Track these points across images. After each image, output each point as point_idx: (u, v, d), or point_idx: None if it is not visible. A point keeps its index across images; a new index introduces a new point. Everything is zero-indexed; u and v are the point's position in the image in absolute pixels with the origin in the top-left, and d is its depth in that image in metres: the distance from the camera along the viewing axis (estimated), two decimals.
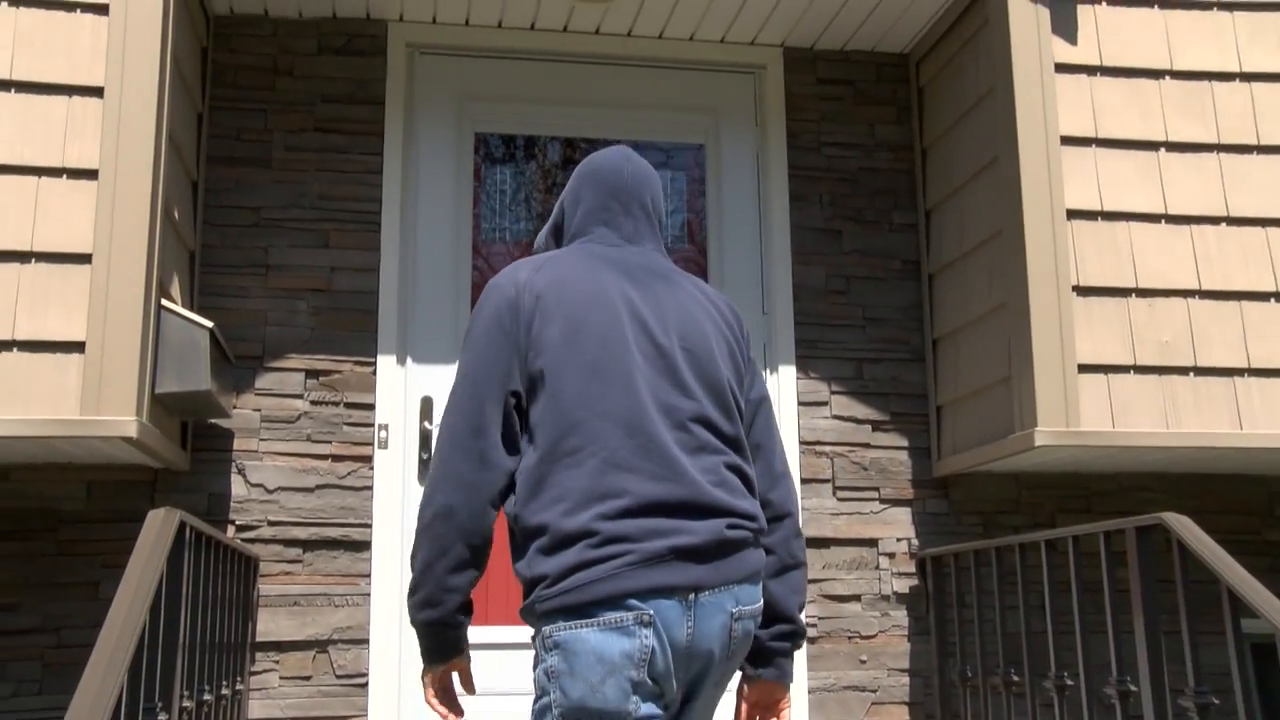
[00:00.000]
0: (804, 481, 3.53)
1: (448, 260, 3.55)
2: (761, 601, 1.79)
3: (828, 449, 3.57)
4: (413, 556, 1.76)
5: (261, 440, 3.33)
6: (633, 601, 1.66)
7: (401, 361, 3.44)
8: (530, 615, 1.71)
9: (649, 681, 1.66)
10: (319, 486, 3.32)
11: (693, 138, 3.79)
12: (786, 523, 1.92)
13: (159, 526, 2.20)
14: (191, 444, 3.30)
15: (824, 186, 3.75)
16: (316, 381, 3.38)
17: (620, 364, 1.78)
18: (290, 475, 3.32)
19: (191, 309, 3.32)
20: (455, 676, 2.58)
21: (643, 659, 1.66)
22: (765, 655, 1.90)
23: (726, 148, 3.78)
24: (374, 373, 3.40)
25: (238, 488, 3.29)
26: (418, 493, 3.37)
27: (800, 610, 1.91)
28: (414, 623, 1.75)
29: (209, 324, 2.93)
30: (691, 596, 1.70)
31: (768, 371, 3.60)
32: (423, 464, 3.35)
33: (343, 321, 3.42)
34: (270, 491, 3.30)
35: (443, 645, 1.76)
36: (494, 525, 1.76)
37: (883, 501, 3.58)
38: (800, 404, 3.58)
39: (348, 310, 3.43)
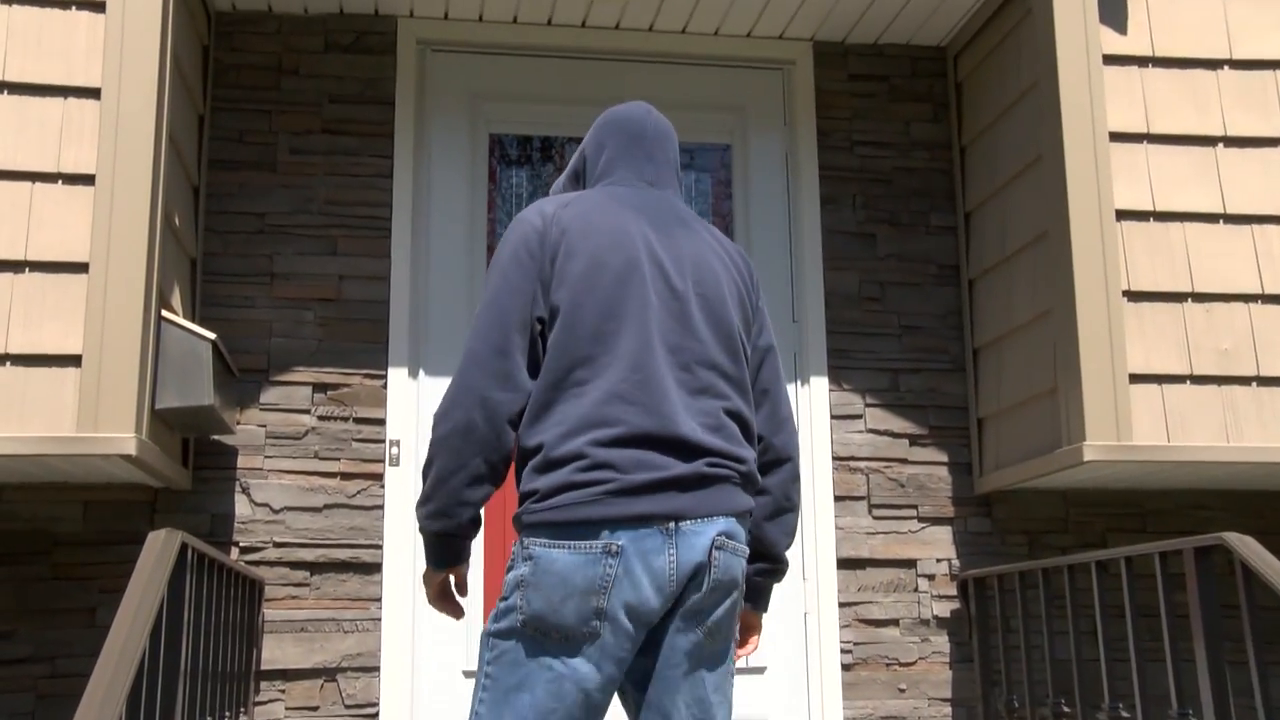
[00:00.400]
0: (838, 499, 3.51)
1: (462, 267, 3.55)
2: (745, 546, 1.93)
3: (862, 465, 3.55)
4: (426, 466, 1.90)
5: (267, 458, 3.32)
6: (606, 531, 1.82)
7: (414, 374, 3.44)
8: (518, 524, 1.87)
9: (619, 609, 1.81)
10: (327, 506, 3.31)
11: (718, 138, 3.79)
12: (787, 466, 2.07)
13: (159, 549, 2.20)
14: (193, 462, 3.29)
15: (857, 188, 3.73)
16: (324, 396, 3.38)
17: (635, 304, 1.93)
18: (297, 494, 3.31)
19: (193, 320, 3.33)
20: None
21: (603, 587, 1.82)
22: (751, 590, 2.09)
23: (754, 148, 3.76)
24: (385, 386, 3.39)
25: (242, 508, 3.28)
26: None
27: (786, 550, 2.11)
28: (423, 531, 1.89)
29: (211, 336, 2.93)
30: (673, 525, 1.85)
31: (798, 383, 3.59)
32: None
33: (352, 332, 3.42)
34: (276, 511, 3.29)
35: (448, 554, 1.91)
36: (512, 443, 1.91)
37: (921, 520, 3.55)
38: (833, 417, 3.57)
39: (357, 320, 3.42)
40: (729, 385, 1.98)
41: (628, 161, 2.15)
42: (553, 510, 1.86)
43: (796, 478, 2.08)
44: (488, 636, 1.83)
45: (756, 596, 2.12)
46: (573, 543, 1.84)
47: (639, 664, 1.89)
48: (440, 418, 1.93)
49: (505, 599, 1.86)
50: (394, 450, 3.35)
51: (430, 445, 1.91)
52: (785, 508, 2.08)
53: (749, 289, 2.11)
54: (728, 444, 1.94)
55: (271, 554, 3.27)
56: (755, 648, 2.16)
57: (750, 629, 2.15)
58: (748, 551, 1.96)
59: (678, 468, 1.88)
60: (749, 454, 1.97)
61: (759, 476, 2.04)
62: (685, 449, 1.89)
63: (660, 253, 2.00)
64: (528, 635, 1.84)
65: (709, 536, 1.88)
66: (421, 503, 1.89)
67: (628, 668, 1.88)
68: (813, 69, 3.77)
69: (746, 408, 2.01)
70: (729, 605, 1.92)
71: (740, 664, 3.41)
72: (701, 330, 1.98)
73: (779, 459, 2.08)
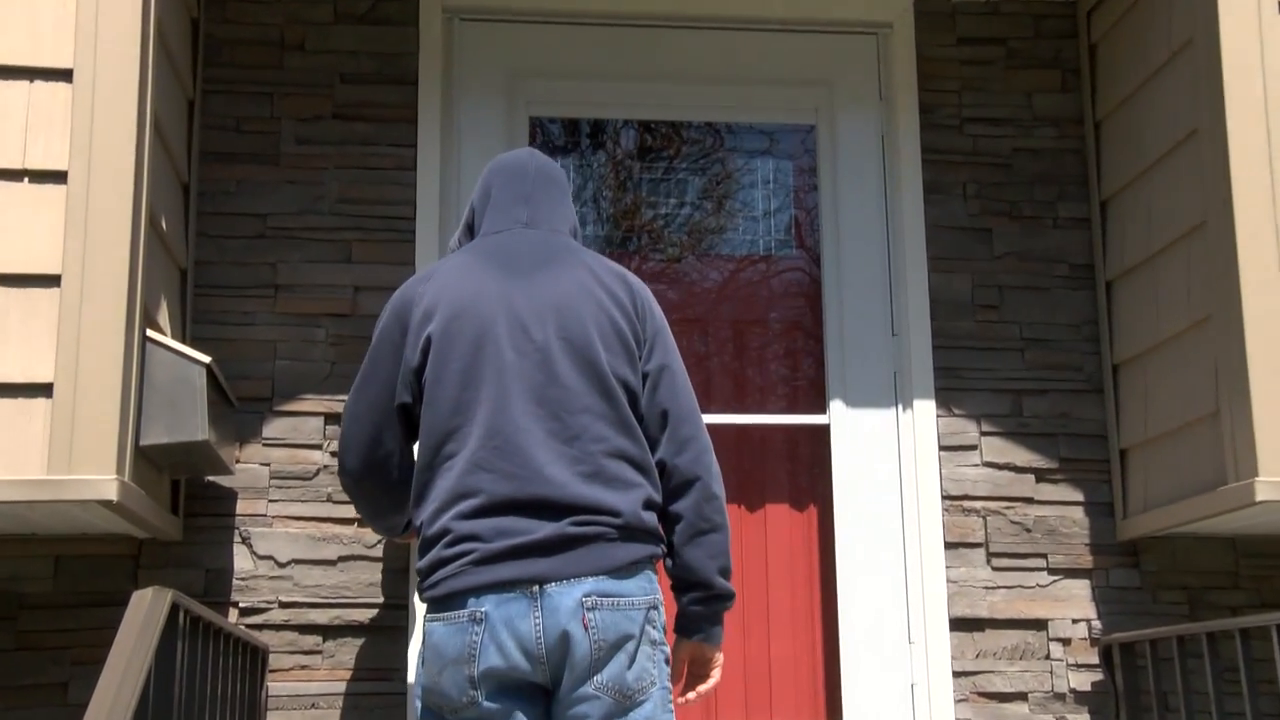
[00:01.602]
0: (949, 546, 3.48)
1: None
2: (640, 595, 2.23)
3: (978, 505, 3.52)
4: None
5: (271, 502, 3.33)
6: (471, 599, 2.19)
7: None
8: None
9: (490, 676, 2.18)
10: (343, 559, 3.31)
11: (801, 117, 3.79)
12: (696, 487, 2.36)
13: (146, 611, 2.21)
14: (184, 508, 3.29)
15: (968, 174, 3.71)
16: (339, 428, 3.28)
17: (491, 367, 2.31)
18: (307, 545, 3.31)
19: (184, 341, 3.33)
20: None
21: (471, 655, 2.18)
22: (689, 620, 2.42)
23: (843, 128, 3.75)
24: None
25: (242, 561, 3.28)
26: None
27: (722, 574, 2.38)
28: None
29: (205, 359, 2.93)
30: (537, 589, 2.18)
31: (899, 407, 3.57)
32: None
33: None
34: (282, 565, 3.29)
35: (403, 534, 2.67)
36: (406, 495, 2.45)
37: (1052, 572, 3.50)
38: (942, 449, 3.53)
39: None
40: (607, 426, 2.30)
41: (504, 206, 2.56)
42: (430, 589, 2.26)
43: (712, 496, 2.37)
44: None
45: (695, 626, 2.41)
46: (446, 614, 2.23)
47: None
48: (340, 478, 2.58)
49: (416, 677, 2.30)
50: None
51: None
52: (703, 529, 2.36)
53: (631, 316, 2.42)
54: (605, 493, 2.24)
55: (277, 616, 3.27)
56: (713, 681, 2.47)
57: (698, 662, 2.46)
58: (645, 600, 2.25)
59: (540, 531, 2.20)
60: (628, 504, 2.26)
61: (650, 520, 2.31)
62: (549, 509, 2.21)
63: (519, 306, 2.36)
64: (431, 711, 2.26)
65: (574, 598, 2.18)
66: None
67: None
68: (914, 33, 3.75)
69: (632, 444, 2.32)
70: (625, 659, 2.20)
71: None
72: (568, 376, 2.31)
73: (686, 480, 2.37)
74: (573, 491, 2.22)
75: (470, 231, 2.64)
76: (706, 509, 2.35)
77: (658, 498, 2.38)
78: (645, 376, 2.41)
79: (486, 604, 2.18)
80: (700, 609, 2.39)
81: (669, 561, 2.43)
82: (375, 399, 2.44)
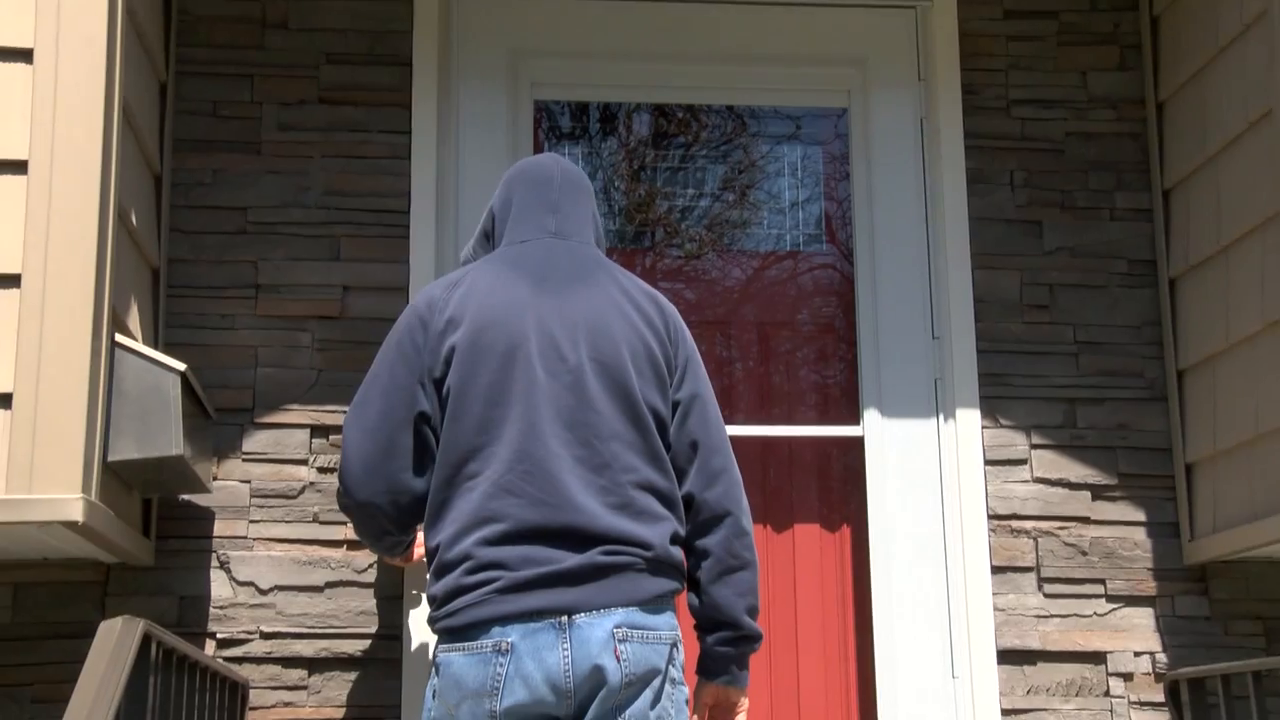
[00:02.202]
0: (996, 571, 3.47)
1: None
2: (666, 630, 2.33)
3: (1029, 525, 3.51)
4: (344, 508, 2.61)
5: (252, 523, 3.32)
6: (496, 629, 2.24)
7: None
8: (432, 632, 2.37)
9: (515, 711, 2.23)
10: (330, 585, 3.31)
11: (831, 100, 3.81)
12: (726, 522, 2.44)
13: (114, 643, 2.21)
14: (157, 529, 3.28)
15: (1016, 161, 3.71)
16: (326, 441, 3.38)
17: (521, 385, 2.38)
18: (291, 570, 3.31)
19: (156, 346, 3.32)
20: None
21: (494, 688, 2.23)
22: (713, 661, 2.49)
23: (878, 112, 3.75)
24: None
25: (220, 588, 3.28)
26: None
27: (750, 614, 2.46)
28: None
29: (180, 366, 2.92)
30: (565, 619, 2.24)
31: (940, 417, 3.57)
32: None
33: (361, 359, 3.39)
34: (264, 592, 3.29)
35: (398, 555, 2.82)
36: (413, 516, 2.51)
37: (1111, 600, 3.49)
38: (988, 463, 3.53)
39: (368, 344, 3.40)
40: (636, 456, 2.38)
41: (531, 214, 2.63)
42: (448, 617, 2.31)
43: (742, 532, 2.45)
44: None
45: (720, 668, 2.48)
46: (466, 644, 2.28)
47: None
48: (339, 498, 2.57)
49: (424, 711, 2.37)
50: None
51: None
52: (733, 566, 2.44)
53: (664, 340, 2.51)
54: (633, 525, 2.32)
55: (258, 648, 3.26)
56: None
57: (722, 707, 2.52)
58: (670, 636, 2.34)
59: (568, 560, 2.27)
60: (658, 536, 2.34)
61: (678, 554, 2.41)
62: (577, 538, 2.28)
63: (551, 322, 2.43)
64: None
65: (605, 629, 2.25)
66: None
67: None
68: (955, 5, 3.74)
69: (660, 476, 2.40)
70: (651, 696, 2.27)
71: None
72: (599, 401, 2.38)
73: (715, 515, 2.45)
74: (603, 522, 2.30)
75: (488, 240, 2.71)
76: (736, 545, 2.43)
77: (683, 532, 2.46)
78: (675, 405, 2.50)
79: (512, 634, 2.24)
80: (727, 650, 2.47)
81: (694, 599, 2.51)
82: (390, 407, 2.47)
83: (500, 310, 2.44)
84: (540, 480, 2.31)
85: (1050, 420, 3.55)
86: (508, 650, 2.23)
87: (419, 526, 2.57)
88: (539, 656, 2.22)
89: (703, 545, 2.44)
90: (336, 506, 3.23)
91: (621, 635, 2.25)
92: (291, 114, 3.52)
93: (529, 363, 2.38)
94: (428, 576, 2.39)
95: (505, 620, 2.24)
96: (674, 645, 2.35)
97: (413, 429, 2.46)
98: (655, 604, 2.31)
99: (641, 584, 2.29)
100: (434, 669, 2.34)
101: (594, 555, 2.27)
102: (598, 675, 2.23)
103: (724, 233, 3.73)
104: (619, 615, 2.25)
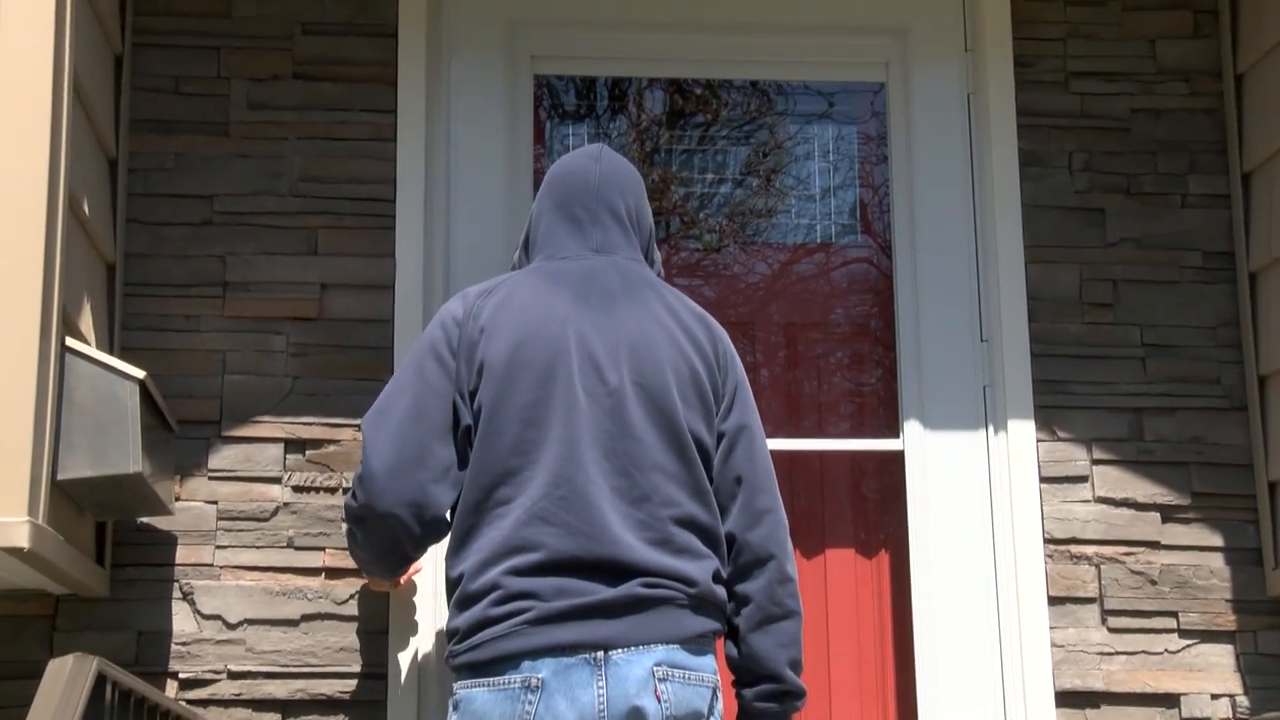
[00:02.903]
0: (1054, 602, 3.46)
1: (496, 266, 3.50)
2: (709, 673, 2.37)
3: (1090, 550, 3.49)
4: (348, 535, 2.71)
5: (219, 549, 3.32)
6: (526, 663, 2.28)
7: None
8: (450, 668, 2.40)
9: None
10: (307, 618, 3.30)
11: (866, 74, 3.82)
12: (770, 566, 2.49)
13: (65, 683, 2.23)
14: (112, 556, 3.27)
15: (1075, 141, 3.70)
16: (302, 457, 3.38)
17: (560, 406, 2.43)
18: (263, 601, 3.30)
19: (112, 351, 3.31)
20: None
21: None
22: (752, 718, 2.52)
23: (919, 87, 3.76)
24: None
25: (183, 622, 3.27)
26: None
27: (792, 667, 2.50)
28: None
29: (139, 374, 2.91)
30: (601, 655, 2.28)
31: (990, 429, 3.58)
32: None
33: (341, 365, 3.44)
34: (232, 626, 3.28)
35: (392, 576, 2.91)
36: (436, 533, 2.57)
37: (1185, 635, 3.47)
38: (1043, 480, 3.52)
39: (348, 348, 3.45)
40: (677, 488, 2.42)
41: (568, 228, 2.68)
42: (471, 651, 2.34)
43: (786, 579, 2.51)
44: None
45: None
46: (491, 679, 2.31)
47: None
48: (351, 506, 2.57)
49: None
50: None
51: (346, 526, 2.65)
52: (775, 614, 2.48)
53: (712, 364, 2.57)
54: (675, 561, 2.36)
55: (226, 689, 3.25)
56: None
57: None
58: (712, 680, 2.38)
59: (606, 591, 2.31)
60: (701, 572, 2.39)
61: (721, 594, 2.44)
62: (616, 571, 2.32)
63: (592, 340, 2.48)
64: None
65: (645, 667, 2.28)
66: (350, 553, 2.79)
67: None
68: None
69: (704, 511, 2.45)
70: None
71: None
72: (640, 428, 2.43)
73: (758, 559, 2.49)
74: (642, 556, 2.35)
75: (527, 250, 2.78)
76: (779, 592, 2.48)
77: (725, 572, 2.51)
78: (720, 436, 2.55)
79: (544, 669, 2.28)
80: (769, 706, 2.50)
81: (731, 649, 2.54)
82: (422, 411, 2.52)
83: (539, 324, 2.49)
84: (578, 508, 2.36)
85: (1114, 432, 3.55)
86: (538, 687, 2.26)
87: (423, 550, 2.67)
88: (572, 694, 2.26)
89: (743, 591, 2.48)
90: (319, 532, 3.33)
91: (662, 674, 2.29)
92: (263, 91, 3.51)
93: (570, 382, 2.44)
94: (450, 609, 2.43)
95: (536, 654, 2.27)
96: (715, 691, 2.39)
97: (451, 442, 2.50)
98: (697, 644, 2.35)
99: (683, 621, 2.34)
100: (451, 707, 2.37)
101: (634, 587, 2.31)
102: (636, 717, 2.27)
103: (747, 223, 3.75)
104: (659, 653, 2.30)
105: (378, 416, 2.56)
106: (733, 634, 2.52)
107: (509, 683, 2.28)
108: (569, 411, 2.42)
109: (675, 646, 2.31)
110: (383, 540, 2.61)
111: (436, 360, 2.54)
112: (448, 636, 2.41)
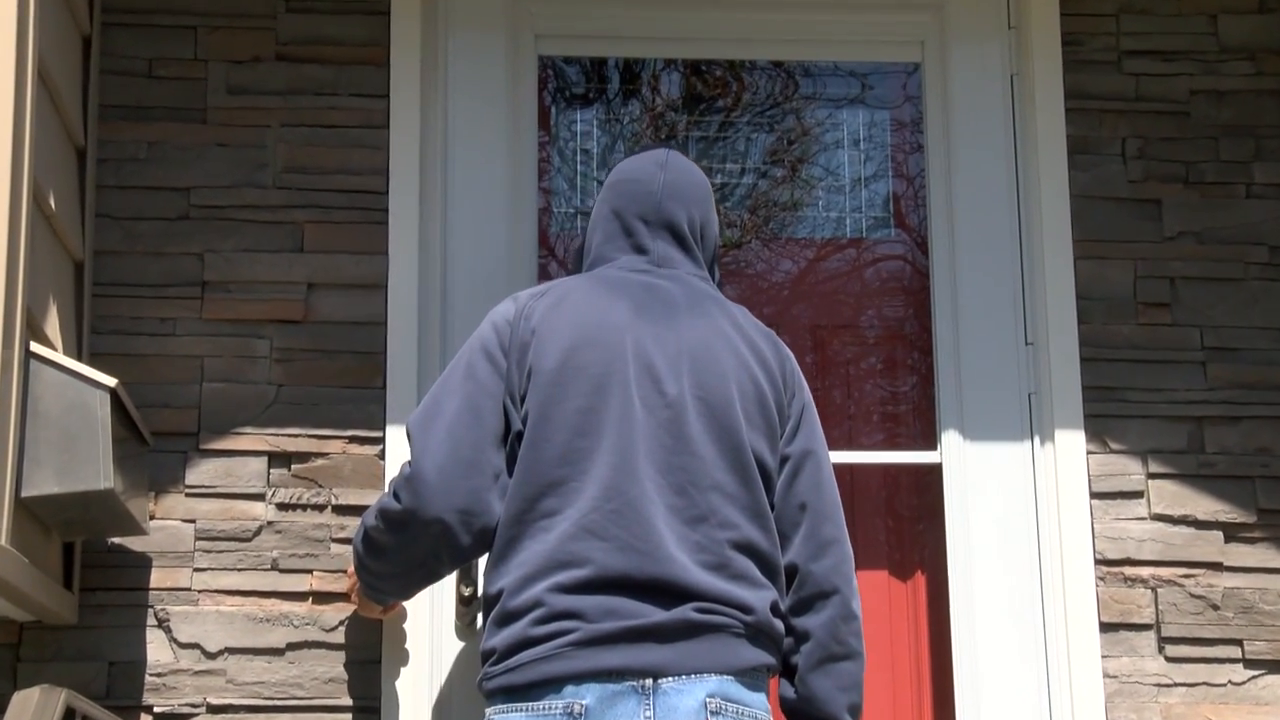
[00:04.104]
0: (1106, 629, 3.45)
1: (500, 269, 3.57)
2: (762, 710, 2.38)
3: (1145, 572, 3.49)
4: (364, 544, 2.67)
5: (197, 571, 3.32)
6: (569, 688, 2.29)
7: None
8: (481, 693, 2.41)
9: None
10: (292, 646, 3.30)
11: (901, 54, 3.85)
12: (833, 601, 2.51)
13: (31, 716, 2.28)
14: (81, 580, 3.27)
15: (1128, 126, 3.70)
16: (287, 472, 3.39)
17: (614, 415, 2.44)
18: (245, 628, 3.30)
19: (81, 358, 3.32)
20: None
21: None
22: None
23: (958, 68, 3.76)
24: (381, 454, 3.42)
25: (158, 651, 3.27)
26: (454, 652, 3.36)
27: (852, 713, 2.52)
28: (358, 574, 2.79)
29: (110, 382, 2.91)
30: (650, 683, 2.29)
31: (1035, 440, 3.58)
32: (464, 604, 3.31)
33: (329, 372, 3.45)
34: (211, 656, 3.28)
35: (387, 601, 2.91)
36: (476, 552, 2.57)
37: (1251, 665, 3.46)
38: (1094, 495, 3.51)
39: (337, 353, 3.46)
40: (737, 510, 2.44)
41: (628, 238, 2.73)
42: (509, 673, 2.35)
43: (851, 616, 2.53)
44: None
45: None
46: (529, 704, 2.31)
47: None
48: (392, 510, 2.54)
49: None
50: None
51: (368, 534, 2.63)
52: (837, 654, 2.50)
53: (778, 385, 2.59)
54: (731, 587, 2.37)
55: None
56: None
57: None
58: (768, 716, 2.40)
59: (657, 614, 2.31)
60: (759, 601, 2.40)
61: (779, 626, 2.46)
62: (669, 593, 2.33)
63: (651, 349, 2.51)
64: None
65: (697, 698, 2.29)
66: (360, 568, 2.74)
67: None
68: None
69: (763, 537, 2.46)
70: None
71: None
72: (699, 444, 2.45)
73: (822, 591, 2.51)
74: (696, 578, 2.35)
75: (582, 255, 2.85)
76: (843, 630, 2.49)
77: (784, 605, 2.52)
78: (785, 460, 2.58)
79: (587, 695, 2.28)
80: None
81: (787, 688, 2.55)
82: (477, 414, 2.53)
83: (594, 329, 2.52)
84: (631, 522, 2.36)
85: (1172, 444, 3.55)
86: (580, 714, 2.27)
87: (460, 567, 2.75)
88: None
89: (803, 626, 2.50)
90: (306, 553, 3.32)
91: (715, 707, 2.29)
92: (243, 74, 3.52)
93: (626, 391, 2.46)
94: (487, 627, 2.44)
95: (580, 678, 2.28)
96: None
97: (503, 447, 2.52)
98: (751, 677, 2.36)
99: (739, 650, 2.34)
100: None
101: (687, 611, 2.32)
102: None
103: (771, 216, 3.76)
104: (712, 683, 2.30)
105: (426, 417, 2.56)
106: (789, 673, 2.53)
107: (549, 709, 2.29)
108: (623, 422, 2.44)
109: (729, 678, 2.32)
110: (420, 551, 2.59)
111: (488, 359, 2.56)
112: (483, 657, 2.41)
